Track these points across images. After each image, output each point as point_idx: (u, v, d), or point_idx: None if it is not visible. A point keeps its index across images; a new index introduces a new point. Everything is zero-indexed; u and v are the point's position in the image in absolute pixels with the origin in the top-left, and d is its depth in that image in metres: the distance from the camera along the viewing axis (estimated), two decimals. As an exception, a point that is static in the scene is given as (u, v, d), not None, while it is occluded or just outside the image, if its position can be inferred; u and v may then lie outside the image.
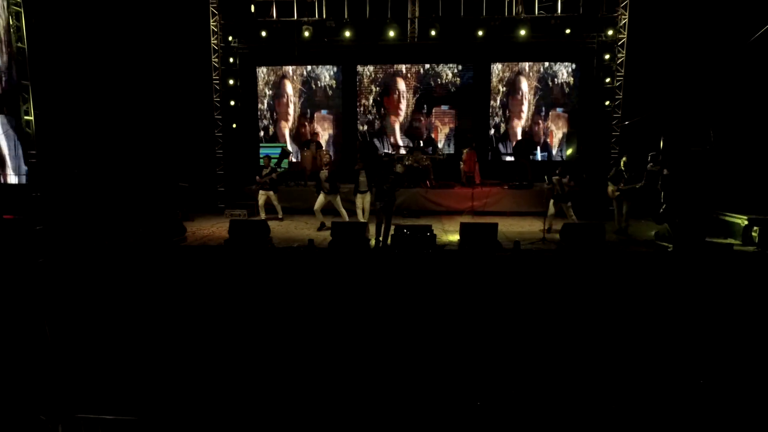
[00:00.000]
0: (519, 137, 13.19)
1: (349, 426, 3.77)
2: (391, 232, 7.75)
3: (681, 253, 7.07)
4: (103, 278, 6.52)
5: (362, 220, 9.60)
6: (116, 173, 9.00)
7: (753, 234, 7.72)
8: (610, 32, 12.82)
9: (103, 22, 8.64)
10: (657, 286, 6.43)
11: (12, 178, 6.89)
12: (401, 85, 14.17)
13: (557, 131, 13.99)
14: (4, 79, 6.66)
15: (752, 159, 8.80)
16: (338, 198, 9.74)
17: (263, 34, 13.25)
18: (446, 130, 14.17)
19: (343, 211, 9.86)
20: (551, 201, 9.28)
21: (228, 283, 6.51)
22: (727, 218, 8.48)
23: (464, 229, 7.41)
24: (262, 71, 14.34)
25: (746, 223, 8.01)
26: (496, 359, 5.03)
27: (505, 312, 5.96)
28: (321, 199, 9.59)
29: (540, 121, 13.95)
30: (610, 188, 9.65)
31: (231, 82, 13.57)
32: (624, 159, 9.99)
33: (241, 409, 4.06)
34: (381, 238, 7.80)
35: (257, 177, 10.46)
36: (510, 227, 9.72)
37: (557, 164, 13.58)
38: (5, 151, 6.59)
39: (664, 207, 9.79)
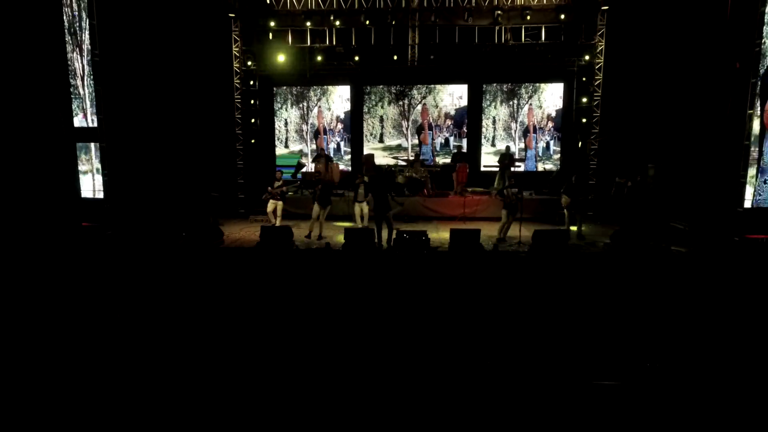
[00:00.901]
0: (505, 150, 14.79)
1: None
2: (393, 236, 9.40)
3: (630, 253, 8.68)
4: (160, 276, 8.16)
5: (359, 225, 11.25)
6: (164, 185, 10.64)
7: (693, 237, 9.33)
8: (588, 57, 14.40)
9: (144, 50, 10.17)
10: (607, 280, 8.04)
11: (89, 193, 8.62)
12: (411, 103, 15.79)
13: (539, 145, 15.59)
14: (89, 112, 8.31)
15: (695, 175, 10.34)
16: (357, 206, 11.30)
17: (280, 59, 14.97)
18: (443, 141, 15.82)
19: (358, 218, 11.41)
20: (504, 210, 10.68)
21: (262, 279, 8.14)
22: (675, 225, 10.11)
23: (453, 234, 9.05)
24: (280, 91, 15.99)
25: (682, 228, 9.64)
26: (479, 344, 6.62)
27: (485, 302, 7.56)
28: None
29: (525, 136, 15.57)
30: (564, 199, 11.20)
31: (252, 101, 15.24)
32: (574, 176, 11.52)
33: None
34: (377, 241, 9.43)
35: (269, 188, 11.98)
36: (493, 231, 11.33)
37: (539, 175, 15.30)
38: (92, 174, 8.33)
39: (627, 214, 11.47)
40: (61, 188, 8.40)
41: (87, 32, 8.25)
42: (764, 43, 8.21)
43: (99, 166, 8.38)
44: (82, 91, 8.39)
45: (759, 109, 8.43)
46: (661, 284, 7.80)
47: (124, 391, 4.83)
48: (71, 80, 8.20)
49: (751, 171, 8.73)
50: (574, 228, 10.90)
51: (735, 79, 8.38)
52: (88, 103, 8.42)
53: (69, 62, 8.17)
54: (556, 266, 8.41)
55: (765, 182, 8.32)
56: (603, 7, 13.72)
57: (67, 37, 8.01)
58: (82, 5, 8.10)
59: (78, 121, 8.45)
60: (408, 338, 6.18)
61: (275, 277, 8.24)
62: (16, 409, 4.58)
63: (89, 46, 8.26)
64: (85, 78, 8.36)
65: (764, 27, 8.26)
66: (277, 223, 11.39)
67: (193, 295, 7.62)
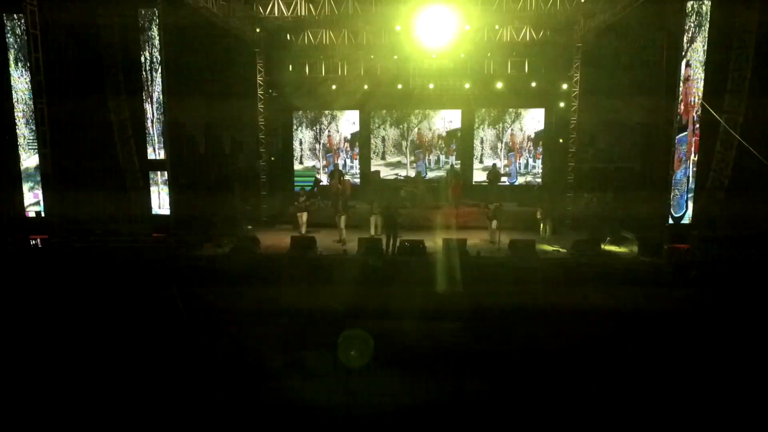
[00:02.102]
0: (492, 167, 17.07)
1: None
2: (398, 244, 11.67)
3: (585, 259, 10.94)
4: (217, 276, 10.41)
5: (373, 232, 13.56)
6: (211, 201, 12.95)
7: (639, 246, 11.60)
8: (566, 86, 16.62)
9: (194, 90, 12.39)
10: (566, 279, 10.30)
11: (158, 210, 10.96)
12: (409, 126, 18.08)
13: (521, 162, 17.86)
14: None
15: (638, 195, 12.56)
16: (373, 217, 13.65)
17: (300, 88, 17.29)
18: (435, 158, 18.12)
19: (372, 227, 13.71)
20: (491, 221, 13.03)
21: (294, 278, 10.39)
22: (624, 234, 12.38)
23: (445, 243, 11.31)
24: (296, 114, 18.28)
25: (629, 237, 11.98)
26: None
27: (470, 295, 9.83)
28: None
29: (511, 154, 17.83)
30: (539, 211, 13.49)
31: (271, 126, 17.51)
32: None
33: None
34: (385, 248, 11.69)
35: (296, 203, 14.28)
36: (479, 236, 13.58)
37: (522, 188, 17.52)
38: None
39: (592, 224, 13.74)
40: (137, 206, 10.72)
41: (158, 87, 10.57)
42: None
43: (166, 188, 10.68)
44: (150, 131, 10.69)
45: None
46: (606, 282, 10.09)
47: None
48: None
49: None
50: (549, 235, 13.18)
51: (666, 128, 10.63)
52: (155, 139, 10.71)
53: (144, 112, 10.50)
54: (525, 268, 10.68)
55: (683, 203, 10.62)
56: (578, 45, 15.89)
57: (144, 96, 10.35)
58: (155, 67, 10.41)
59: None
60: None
61: (304, 277, 10.52)
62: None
63: (159, 96, 10.57)
64: (154, 122, 10.66)
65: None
66: (303, 231, 13.78)
67: (241, 291, 9.90)
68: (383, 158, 18.17)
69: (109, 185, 10.74)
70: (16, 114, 10.82)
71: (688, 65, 9.97)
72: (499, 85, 16.93)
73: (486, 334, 8.10)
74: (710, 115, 10.04)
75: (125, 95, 10.50)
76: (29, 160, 10.96)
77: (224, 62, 14.52)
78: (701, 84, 9.89)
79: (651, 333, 8.12)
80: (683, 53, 9.64)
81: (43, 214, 11.08)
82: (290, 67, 17.29)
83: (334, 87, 17.27)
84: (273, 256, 11.63)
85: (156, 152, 10.74)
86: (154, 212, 10.88)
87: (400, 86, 17.16)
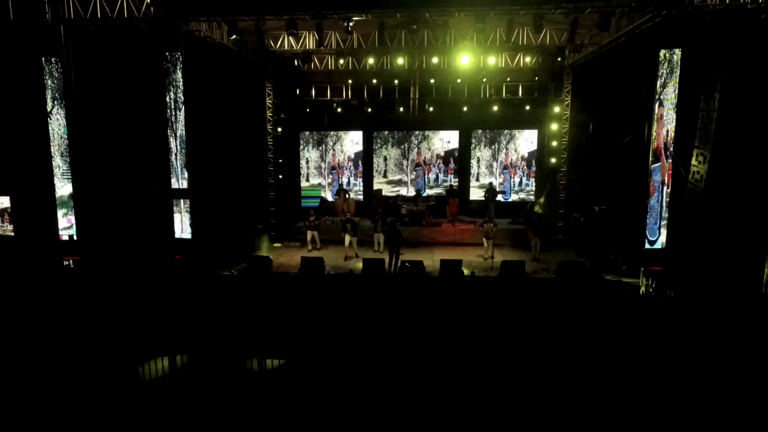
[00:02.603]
0: (488, 186, 18.09)
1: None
2: (399, 264, 12.71)
3: (570, 280, 11.99)
4: (232, 295, 11.48)
5: (377, 248, 14.65)
6: (230, 223, 14.03)
7: (621, 268, 12.63)
8: (557, 109, 17.62)
9: (212, 120, 13.45)
10: (551, 300, 11.34)
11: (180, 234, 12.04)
12: (410, 146, 19.13)
13: (515, 180, 18.90)
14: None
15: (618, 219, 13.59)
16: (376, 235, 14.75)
17: (307, 110, 18.36)
18: (434, 176, 19.15)
19: (376, 243, 14.80)
20: (486, 238, 14.06)
21: (304, 297, 11.45)
22: (609, 255, 13.41)
23: (443, 264, 12.36)
24: (303, 135, 19.33)
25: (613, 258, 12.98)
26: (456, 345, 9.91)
27: (464, 314, 10.87)
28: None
29: (505, 173, 18.88)
30: (529, 232, 14.52)
31: (279, 145, 18.53)
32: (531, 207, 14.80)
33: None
34: (388, 268, 12.72)
35: (306, 222, 15.37)
36: (474, 253, 14.62)
37: (516, 205, 18.55)
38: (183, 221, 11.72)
39: (579, 243, 14.78)
40: (161, 230, 11.78)
41: (181, 124, 11.66)
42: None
43: (188, 215, 11.78)
44: (174, 163, 11.76)
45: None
46: (587, 302, 11.13)
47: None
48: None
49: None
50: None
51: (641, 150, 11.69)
52: (179, 171, 11.78)
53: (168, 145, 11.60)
54: (515, 289, 11.73)
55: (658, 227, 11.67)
56: (569, 70, 16.89)
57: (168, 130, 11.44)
58: (179, 106, 11.50)
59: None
60: (406, 342, 9.50)
61: (313, 296, 11.59)
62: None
63: (182, 132, 11.66)
64: (178, 154, 11.74)
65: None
66: (311, 248, 15.00)
67: (254, 309, 10.96)
68: (385, 176, 19.22)
69: (136, 211, 11.80)
70: (52, 147, 11.89)
71: (661, 105, 11.03)
72: (495, 108, 17.99)
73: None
74: (682, 148, 11.10)
75: (151, 131, 11.55)
76: (63, 188, 12.03)
77: (238, 91, 15.53)
78: (673, 122, 10.94)
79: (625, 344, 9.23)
80: (657, 96, 10.69)
81: (75, 237, 12.16)
82: (297, 90, 18.35)
83: (339, 110, 18.32)
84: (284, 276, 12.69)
85: (179, 182, 11.83)
86: (176, 236, 11.96)
87: (401, 109, 18.22)
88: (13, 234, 12.53)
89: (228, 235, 13.75)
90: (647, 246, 11.61)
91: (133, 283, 11.42)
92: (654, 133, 11.14)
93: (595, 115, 16.30)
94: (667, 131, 11.12)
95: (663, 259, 11.38)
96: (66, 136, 11.77)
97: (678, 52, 10.61)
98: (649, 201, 11.35)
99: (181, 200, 11.91)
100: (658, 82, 10.76)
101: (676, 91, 10.74)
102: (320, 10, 10.97)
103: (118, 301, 11.04)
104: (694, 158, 10.91)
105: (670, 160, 11.05)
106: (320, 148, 19.40)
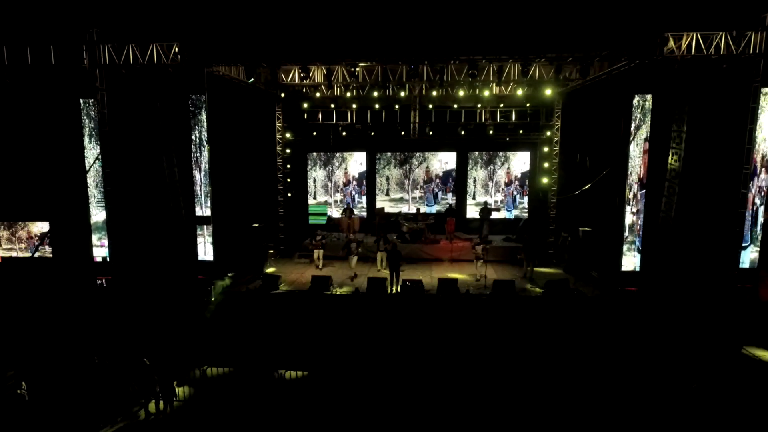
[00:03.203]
0: (484, 205, 19.35)
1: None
2: (400, 282, 13.99)
3: (556, 297, 13.26)
4: (252, 316, 12.74)
5: (379, 266, 15.91)
6: (247, 244, 15.37)
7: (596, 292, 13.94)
8: (548, 133, 18.90)
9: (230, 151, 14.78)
10: (538, 317, 12.61)
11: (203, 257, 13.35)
12: (411, 167, 20.41)
13: (508, 198, 20.16)
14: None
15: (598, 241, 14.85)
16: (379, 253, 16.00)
17: (314, 134, 19.65)
18: (434, 194, 20.43)
19: (379, 262, 16.04)
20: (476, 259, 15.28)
21: (315, 313, 12.73)
22: (592, 273, 14.69)
23: (440, 283, 13.65)
24: (311, 156, 20.61)
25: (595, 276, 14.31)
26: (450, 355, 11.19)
27: (460, 328, 12.13)
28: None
29: (508, 188, 20.14)
30: (521, 253, 15.77)
31: (288, 166, 19.80)
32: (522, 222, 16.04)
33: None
34: (390, 286, 14.00)
35: (313, 241, 16.65)
36: (470, 269, 15.86)
37: (510, 222, 19.79)
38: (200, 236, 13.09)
39: (566, 261, 16.05)
40: (186, 253, 13.08)
41: (204, 158, 12.97)
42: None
43: (209, 238, 13.10)
44: (198, 193, 13.07)
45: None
46: (569, 317, 12.42)
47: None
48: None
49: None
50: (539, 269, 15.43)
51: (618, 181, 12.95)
52: (202, 200, 13.10)
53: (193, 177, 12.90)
54: (506, 306, 13.00)
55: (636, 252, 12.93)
56: (558, 98, 18.14)
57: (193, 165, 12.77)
58: (203, 143, 12.81)
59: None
60: (408, 353, 10.79)
61: (323, 312, 12.88)
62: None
63: (205, 166, 12.97)
64: (201, 185, 13.05)
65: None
66: (321, 266, 16.22)
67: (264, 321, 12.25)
68: (387, 194, 20.50)
69: (163, 236, 13.10)
70: (88, 178, 13.19)
71: (636, 143, 12.33)
72: (490, 132, 19.25)
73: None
74: (654, 185, 12.39)
75: (177, 164, 12.85)
76: (98, 215, 13.33)
77: (251, 117, 16.82)
78: (645, 159, 12.24)
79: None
80: (631, 137, 11.99)
81: (107, 259, 13.46)
82: (305, 115, 19.63)
83: (344, 134, 19.60)
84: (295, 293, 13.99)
85: (202, 210, 13.13)
86: (200, 258, 13.26)
87: (403, 133, 19.48)
88: (51, 255, 13.82)
89: (244, 255, 15.04)
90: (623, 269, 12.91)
91: (160, 301, 12.73)
92: (629, 170, 12.46)
93: (581, 142, 17.51)
94: (641, 166, 12.42)
95: (637, 281, 12.67)
96: (100, 168, 13.07)
97: (649, 97, 11.89)
98: (624, 230, 12.65)
99: (204, 226, 13.21)
100: (633, 124, 12.04)
101: (648, 131, 12.02)
102: (330, 58, 12.26)
103: (147, 317, 12.36)
104: (665, 189, 12.18)
105: (643, 190, 12.34)
106: (327, 169, 20.67)
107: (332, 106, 19.47)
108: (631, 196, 12.94)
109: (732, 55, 11.56)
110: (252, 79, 13.20)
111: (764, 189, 12.80)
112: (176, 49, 12.33)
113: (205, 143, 12.74)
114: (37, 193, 13.45)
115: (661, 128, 12.18)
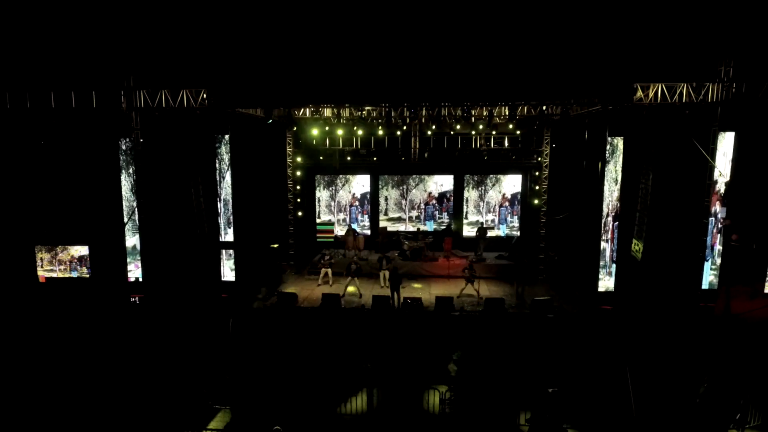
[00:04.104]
0: (480, 225, 20.96)
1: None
2: (401, 300, 15.59)
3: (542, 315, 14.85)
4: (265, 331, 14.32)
5: (382, 283, 17.49)
6: (264, 265, 16.98)
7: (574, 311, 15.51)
8: (539, 158, 20.48)
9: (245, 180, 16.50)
10: (525, 333, 14.20)
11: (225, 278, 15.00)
12: (408, 188, 22.04)
13: (508, 219, 21.77)
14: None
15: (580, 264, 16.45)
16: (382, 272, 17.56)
17: (321, 158, 21.27)
18: (430, 214, 22.05)
19: (382, 279, 17.60)
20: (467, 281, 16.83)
21: (325, 328, 14.32)
22: (577, 293, 16.27)
23: (438, 301, 15.25)
24: (318, 177, 22.22)
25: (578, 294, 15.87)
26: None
27: (455, 342, 13.71)
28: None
29: (503, 208, 21.74)
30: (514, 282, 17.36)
31: (298, 187, 21.40)
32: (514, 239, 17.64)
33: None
34: (392, 302, 15.58)
35: (322, 260, 18.25)
36: (467, 289, 17.40)
37: (503, 240, 21.34)
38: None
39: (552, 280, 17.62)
40: (210, 274, 14.71)
41: (226, 188, 14.61)
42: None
43: (230, 261, 14.73)
44: (221, 221, 14.70)
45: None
46: (554, 334, 14.01)
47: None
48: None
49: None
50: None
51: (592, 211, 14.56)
52: (223, 227, 14.73)
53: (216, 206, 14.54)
54: (496, 322, 14.60)
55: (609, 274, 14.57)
56: (548, 125, 19.73)
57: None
58: (224, 176, 14.45)
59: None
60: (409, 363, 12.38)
61: (332, 328, 14.48)
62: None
63: (226, 195, 14.61)
64: (222, 212, 14.68)
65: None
66: (331, 282, 17.78)
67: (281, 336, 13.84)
68: (386, 214, 22.12)
69: (189, 259, 14.69)
70: (123, 207, 14.83)
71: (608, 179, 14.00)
72: (485, 157, 20.86)
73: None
74: (626, 212, 14.01)
75: (203, 194, 14.48)
76: (131, 240, 14.95)
77: (264, 144, 18.46)
78: (618, 191, 13.89)
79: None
80: (603, 173, 13.59)
81: (140, 279, 15.08)
82: (314, 141, 21.24)
83: (349, 158, 21.21)
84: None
85: (223, 235, 14.75)
86: (223, 279, 14.87)
87: (403, 158, 21.09)
88: (88, 276, 15.43)
89: (261, 274, 16.65)
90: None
91: (187, 317, 14.33)
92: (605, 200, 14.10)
93: (565, 170, 19.16)
94: (613, 200, 14.07)
95: (612, 301, 14.28)
96: (134, 199, 14.70)
97: (621, 140, 13.52)
98: (600, 253, 14.26)
99: (224, 250, 14.84)
100: (608, 162, 13.67)
101: (620, 169, 13.67)
102: (340, 102, 13.89)
103: (176, 331, 13.96)
104: (636, 220, 13.79)
105: (617, 222, 13.97)
106: (330, 189, 22.28)
107: (339, 132, 21.07)
108: (609, 221, 14.57)
109: (693, 102, 13.18)
110: (271, 120, 14.79)
111: (721, 219, 14.38)
112: (204, 95, 13.96)
113: (224, 174, 14.38)
114: (78, 220, 15.06)
115: (631, 166, 13.79)
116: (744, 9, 12.90)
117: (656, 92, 13.18)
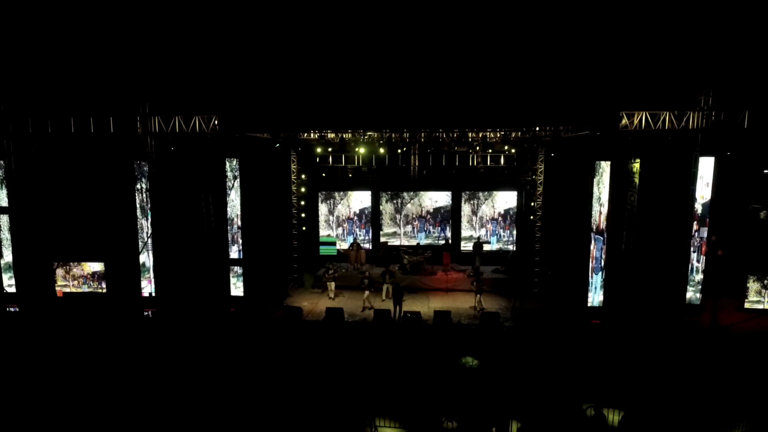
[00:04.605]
0: (477, 240, 21.76)
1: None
2: (401, 314, 16.38)
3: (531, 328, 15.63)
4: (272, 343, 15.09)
5: (384, 296, 18.28)
6: (271, 278, 17.80)
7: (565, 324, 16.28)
8: (533, 176, 21.30)
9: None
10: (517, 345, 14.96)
11: (234, 292, 15.81)
12: (408, 205, 22.88)
13: (500, 234, 22.59)
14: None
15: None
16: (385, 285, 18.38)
17: (323, 174, 22.12)
18: (430, 229, 22.86)
19: (384, 293, 18.41)
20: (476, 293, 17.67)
21: (329, 340, 15.10)
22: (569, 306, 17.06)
23: (436, 314, 16.03)
24: (321, 194, 23.06)
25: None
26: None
27: (452, 353, 14.48)
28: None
29: (490, 227, 22.56)
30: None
31: (302, 203, 22.23)
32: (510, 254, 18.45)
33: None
34: (394, 316, 16.36)
35: (326, 274, 19.07)
36: (462, 298, 18.21)
37: (499, 254, 22.12)
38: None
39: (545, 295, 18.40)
40: (219, 290, 15.51)
41: (236, 210, 15.44)
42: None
43: (238, 278, 15.55)
44: (230, 240, 15.52)
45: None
46: (545, 346, 14.80)
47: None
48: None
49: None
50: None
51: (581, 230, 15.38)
52: (233, 245, 15.55)
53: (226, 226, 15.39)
54: (492, 335, 15.38)
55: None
56: (541, 144, 20.56)
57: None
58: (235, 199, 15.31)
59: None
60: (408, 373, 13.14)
61: (337, 340, 15.25)
62: None
63: (235, 217, 15.44)
64: (237, 239, 15.52)
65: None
66: (333, 296, 18.59)
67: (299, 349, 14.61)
68: (381, 229, 22.97)
69: (200, 275, 15.50)
70: (138, 226, 15.67)
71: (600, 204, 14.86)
72: (481, 172, 21.71)
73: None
74: (614, 230, 14.84)
75: (214, 215, 15.31)
76: (143, 257, 15.76)
77: (270, 163, 19.33)
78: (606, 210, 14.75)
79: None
80: (594, 194, 14.46)
81: (153, 294, 15.87)
82: (317, 159, 22.10)
83: (350, 175, 22.05)
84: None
85: (232, 252, 15.58)
86: (232, 294, 15.68)
87: (403, 175, 21.93)
88: (104, 291, 16.24)
89: (267, 287, 17.46)
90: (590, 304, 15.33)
91: (197, 329, 15.12)
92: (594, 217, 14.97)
93: (559, 187, 20.00)
94: (602, 218, 14.92)
95: (601, 315, 15.07)
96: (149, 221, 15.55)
97: (607, 164, 14.41)
98: (591, 273, 15.09)
99: (233, 267, 15.66)
100: (596, 184, 14.54)
101: (608, 189, 14.56)
102: (342, 128, 14.76)
103: (187, 343, 14.74)
104: (624, 239, 14.62)
105: (605, 236, 14.84)
106: (331, 204, 23.13)
107: (341, 151, 21.93)
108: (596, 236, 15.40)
109: (675, 129, 14.04)
110: (278, 145, 15.65)
111: (700, 239, 15.21)
112: (215, 121, 14.83)
113: (236, 200, 15.26)
114: (94, 238, 15.89)
115: (619, 189, 14.63)
116: (722, 42, 13.80)
117: (641, 119, 14.04)
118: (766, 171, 17.86)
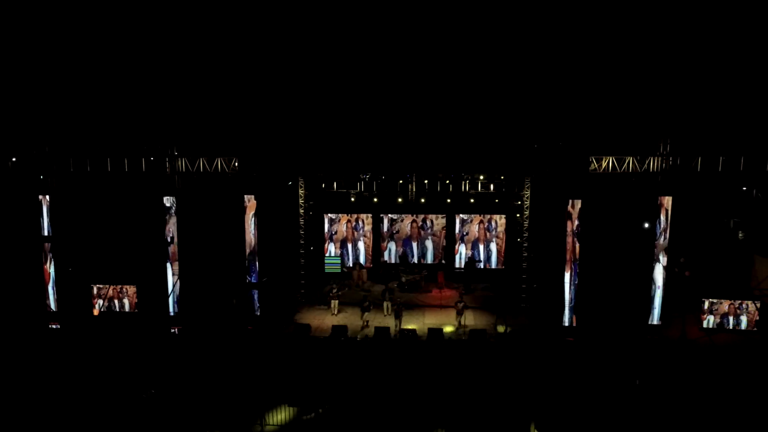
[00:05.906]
0: (469, 259, 23.78)
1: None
2: (400, 328, 18.39)
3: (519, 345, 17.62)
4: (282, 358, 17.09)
5: (385, 312, 20.30)
6: (283, 299, 19.84)
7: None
8: (520, 202, 23.31)
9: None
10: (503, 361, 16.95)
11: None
12: (407, 227, 24.92)
13: (491, 254, 24.63)
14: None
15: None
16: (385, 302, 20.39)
17: (329, 199, 24.18)
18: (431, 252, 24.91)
19: (385, 309, 20.40)
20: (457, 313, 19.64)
21: (335, 356, 17.09)
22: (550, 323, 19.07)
23: (429, 332, 18.04)
24: (326, 216, 25.13)
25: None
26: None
27: (443, 368, 16.46)
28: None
29: (482, 248, 24.59)
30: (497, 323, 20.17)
31: (309, 225, 24.27)
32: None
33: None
34: (392, 333, 18.37)
35: (331, 293, 21.12)
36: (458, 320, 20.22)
37: (487, 272, 24.11)
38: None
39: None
40: (240, 309, 17.56)
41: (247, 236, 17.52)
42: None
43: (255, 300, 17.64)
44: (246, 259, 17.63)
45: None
46: (526, 361, 16.79)
47: None
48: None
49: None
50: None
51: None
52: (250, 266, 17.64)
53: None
54: (480, 350, 17.39)
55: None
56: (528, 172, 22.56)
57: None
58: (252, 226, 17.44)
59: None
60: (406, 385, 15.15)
61: (341, 355, 17.26)
62: None
63: (255, 250, 17.53)
64: (254, 264, 17.59)
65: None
66: (336, 313, 20.60)
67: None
68: (381, 249, 25.02)
69: (221, 295, 17.55)
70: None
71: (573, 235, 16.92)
72: (472, 200, 23.76)
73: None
74: (586, 259, 16.87)
75: (234, 243, 17.37)
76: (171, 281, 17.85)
77: (281, 194, 21.43)
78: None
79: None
80: (568, 228, 16.55)
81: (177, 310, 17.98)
82: (323, 185, 24.15)
83: (353, 200, 24.10)
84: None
85: (250, 277, 17.64)
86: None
87: (400, 200, 23.98)
88: (136, 310, 18.31)
89: (280, 305, 19.52)
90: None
91: (219, 345, 17.17)
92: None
93: (543, 212, 22.01)
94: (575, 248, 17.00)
95: (573, 333, 17.10)
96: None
97: (579, 201, 16.47)
98: (564, 296, 17.16)
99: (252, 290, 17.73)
100: (569, 220, 16.59)
101: (579, 224, 16.62)
102: (347, 172, 16.83)
103: (210, 358, 16.77)
104: (592, 268, 16.65)
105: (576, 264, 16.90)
106: (335, 225, 25.20)
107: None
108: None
109: (638, 172, 16.07)
110: (291, 182, 17.72)
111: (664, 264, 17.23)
112: (235, 162, 16.90)
113: (253, 229, 17.37)
114: (127, 264, 17.97)
115: (589, 223, 16.65)
116: (679, 97, 15.87)
117: (608, 163, 16.07)
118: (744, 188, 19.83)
